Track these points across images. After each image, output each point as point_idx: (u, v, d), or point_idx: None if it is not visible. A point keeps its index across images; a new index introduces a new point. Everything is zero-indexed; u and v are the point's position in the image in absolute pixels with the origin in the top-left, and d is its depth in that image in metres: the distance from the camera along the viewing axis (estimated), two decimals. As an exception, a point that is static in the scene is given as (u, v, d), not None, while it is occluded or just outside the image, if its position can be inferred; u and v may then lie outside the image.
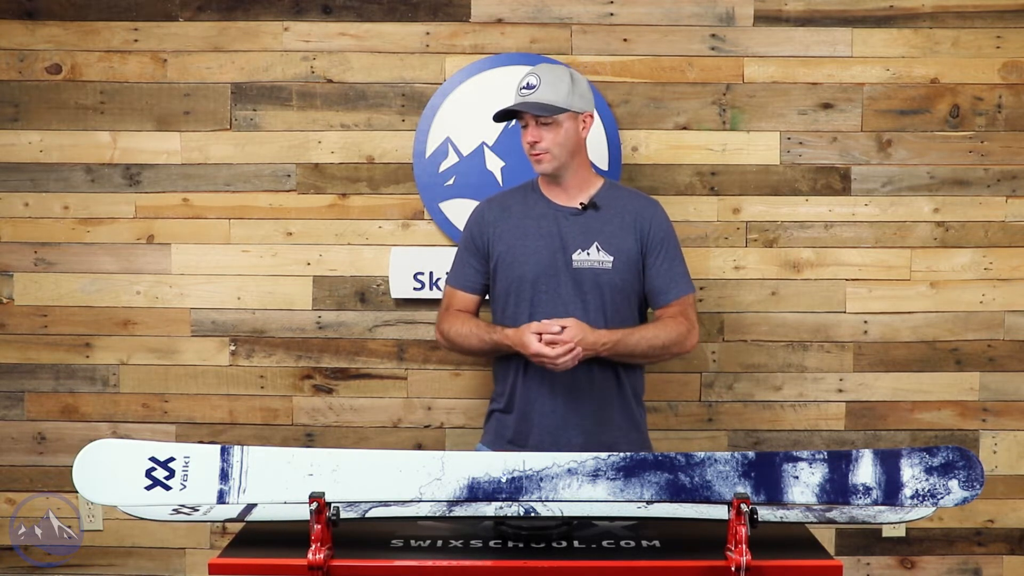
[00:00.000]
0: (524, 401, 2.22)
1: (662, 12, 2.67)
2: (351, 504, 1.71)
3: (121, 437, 2.70)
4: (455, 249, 2.39)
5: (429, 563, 1.62)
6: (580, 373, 2.16)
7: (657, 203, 2.30)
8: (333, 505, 1.60)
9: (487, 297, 2.33)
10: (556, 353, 2.05)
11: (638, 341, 2.14)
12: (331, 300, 2.73)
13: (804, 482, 1.66)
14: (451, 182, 2.67)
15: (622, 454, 1.68)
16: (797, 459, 1.68)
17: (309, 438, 2.75)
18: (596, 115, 2.57)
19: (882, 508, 1.75)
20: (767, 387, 2.74)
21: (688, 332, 2.20)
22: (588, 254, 2.19)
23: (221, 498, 1.65)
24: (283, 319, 2.73)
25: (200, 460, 1.67)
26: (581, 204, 2.23)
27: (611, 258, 2.19)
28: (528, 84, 2.16)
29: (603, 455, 1.67)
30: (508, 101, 2.24)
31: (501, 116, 2.24)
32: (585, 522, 1.79)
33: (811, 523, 1.79)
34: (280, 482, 1.65)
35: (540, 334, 2.06)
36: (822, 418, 2.74)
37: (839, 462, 1.68)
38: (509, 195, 2.34)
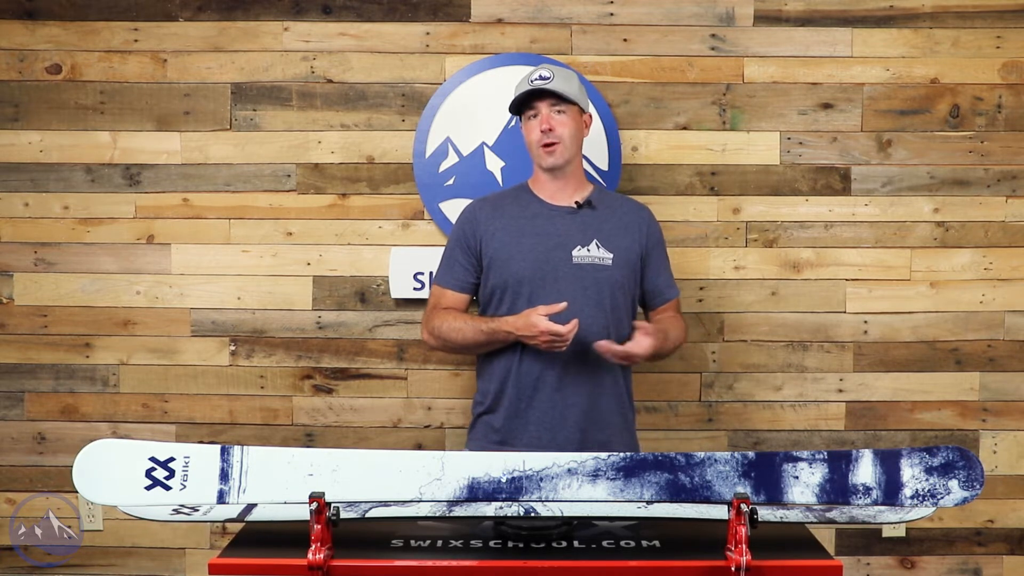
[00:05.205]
0: (517, 397, 2.18)
1: (662, 12, 2.67)
2: (351, 504, 1.71)
3: (121, 437, 2.70)
4: None
5: (429, 563, 1.62)
6: (577, 366, 2.16)
7: (647, 207, 2.35)
8: (333, 505, 1.59)
9: (474, 298, 2.31)
10: (567, 329, 2.03)
11: (669, 343, 2.23)
12: (331, 300, 2.73)
13: (804, 482, 1.66)
14: (451, 182, 2.67)
15: (622, 454, 1.68)
16: (797, 459, 1.68)
17: (309, 438, 2.75)
18: (596, 115, 2.59)
19: (882, 508, 1.75)
20: (767, 387, 2.74)
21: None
22: (588, 250, 2.19)
23: (221, 498, 1.65)
24: (283, 319, 2.73)
25: (200, 460, 1.67)
26: (576, 202, 2.23)
27: (611, 255, 2.20)
28: (541, 76, 2.19)
29: (603, 455, 1.67)
30: (509, 98, 2.24)
31: (517, 104, 2.24)
32: (585, 522, 1.79)
33: (811, 523, 1.79)
34: (280, 482, 1.65)
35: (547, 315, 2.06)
36: (822, 418, 2.74)
37: (839, 462, 1.68)
38: (500, 196, 2.34)
